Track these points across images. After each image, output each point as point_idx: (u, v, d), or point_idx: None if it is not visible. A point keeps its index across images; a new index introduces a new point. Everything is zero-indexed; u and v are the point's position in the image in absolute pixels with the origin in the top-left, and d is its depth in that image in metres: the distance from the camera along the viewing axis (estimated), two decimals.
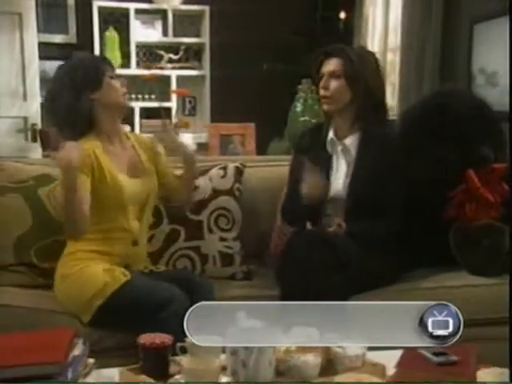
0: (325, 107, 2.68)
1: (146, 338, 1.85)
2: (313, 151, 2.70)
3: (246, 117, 4.66)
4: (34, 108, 5.25)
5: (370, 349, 1.92)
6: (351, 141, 2.67)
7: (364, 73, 2.61)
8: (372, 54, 2.79)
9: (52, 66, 6.00)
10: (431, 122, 2.85)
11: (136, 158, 2.53)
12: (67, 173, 2.20)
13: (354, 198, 2.62)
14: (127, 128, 2.72)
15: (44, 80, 5.67)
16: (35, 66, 5.29)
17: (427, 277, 2.72)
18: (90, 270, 2.33)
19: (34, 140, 5.24)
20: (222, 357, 1.84)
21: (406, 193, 2.63)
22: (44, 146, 4.99)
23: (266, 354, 1.76)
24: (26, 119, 5.28)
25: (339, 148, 2.70)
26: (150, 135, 2.77)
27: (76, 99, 2.36)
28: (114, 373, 1.85)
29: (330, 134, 2.72)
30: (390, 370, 1.85)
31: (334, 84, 2.62)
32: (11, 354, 1.64)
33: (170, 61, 6.08)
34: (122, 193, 2.40)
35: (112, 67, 2.50)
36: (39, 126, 5.23)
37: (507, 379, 1.67)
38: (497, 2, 4.01)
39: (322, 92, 2.65)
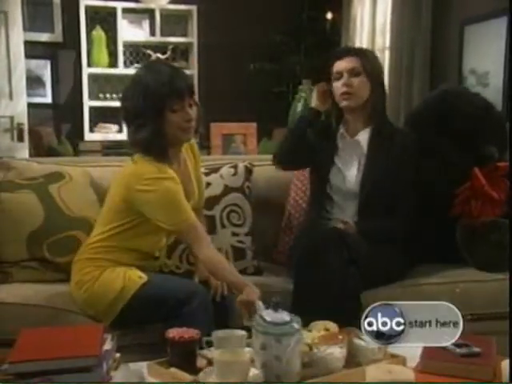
0: (345, 103, 2.71)
1: (174, 333, 1.87)
2: (321, 139, 2.78)
3: (234, 116, 4.68)
4: (20, 107, 5.21)
5: None
6: (363, 137, 2.74)
7: (378, 68, 2.77)
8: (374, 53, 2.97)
9: (38, 64, 6.05)
10: (440, 122, 2.90)
11: (189, 181, 2.46)
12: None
13: (367, 193, 2.68)
14: None
15: (30, 79, 5.66)
16: (21, 65, 5.23)
17: (431, 273, 2.76)
18: (106, 277, 2.30)
19: (21, 139, 5.19)
20: (246, 349, 1.86)
21: (416, 190, 2.70)
22: (34, 146, 4.95)
23: (297, 348, 1.79)
24: (12, 118, 5.22)
25: (350, 143, 2.76)
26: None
27: (144, 119, 2.25)
28: (142, 366, 1.88)
29: (341, 129, 2.78)
30: (412, 362, 1.89)
31: (356, 81, 2.68)
32: (49, 347, 1.65)
33: None
34: None
35: (181, 95, 2.26)
36: (26, 126, 5.19)
37: None
38: (487, 4, 4.09)
39: (343, 89, 2.69)
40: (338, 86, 2.71)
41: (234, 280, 2.24)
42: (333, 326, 2.06)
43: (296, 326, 1.78)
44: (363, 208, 2.68)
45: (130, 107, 2.28)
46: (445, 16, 4.60)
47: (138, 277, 2.28)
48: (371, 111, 2.73)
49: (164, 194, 2.24)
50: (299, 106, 3.53)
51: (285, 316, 1.80)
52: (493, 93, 3.87)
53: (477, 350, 1.86)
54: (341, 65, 2.71)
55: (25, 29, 5.41)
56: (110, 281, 2.28)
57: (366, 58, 2.72)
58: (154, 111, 2.23)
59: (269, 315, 1.80)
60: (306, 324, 1.94)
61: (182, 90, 2.26)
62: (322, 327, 2.06)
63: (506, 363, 1.77)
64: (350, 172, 2.74)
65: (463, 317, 2.05)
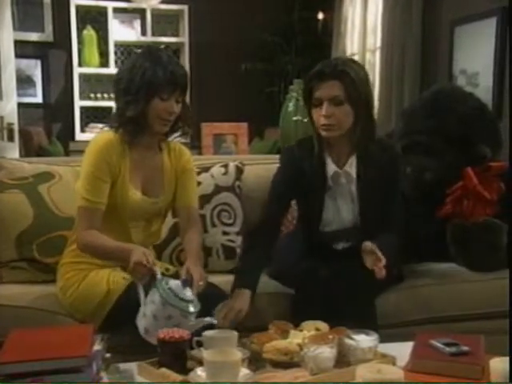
0: (325, 134, 2.42)
1: (164, 333, 1.87)
2: (311, 188, 2.52)
3: (225, 116, 4.68)
4: (10, 107, 5.16)
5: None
6: (351, 166, 2.50)
7: (366, 93, 2.42)
8: (362, 67, 2.55)
9: (28, 64, 6.03)
10: (433, 121, 2.90)
11: (158, 177, 2.42)
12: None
13: (368, 222, 2.51)
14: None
15: (20, 79, 5.64)
16: (11, 65, 5.18)
17: (429, 273, 2.76)
18: (90, 280, 2.29)
19: (11, 139, 5.16)
20: (237, 350, 1.87)
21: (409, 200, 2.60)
22: (25, 146, 4.93)
23: (196, 325, 2.02)
24: (2, 118, 5.18)
25: (343, 180, 2.52)
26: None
27: (134, 99, 2.27)
28: (132, 367, 1.87)
29: (332, 166, 2.50)
30: (402, 361, 1.90)
31: (337, 111, 2.36)
32: (38, 348, 1.65)
33: None
34: (127, 206, 2.33)
35: (175, 85, 2.28)
36: (16, 126, 5.16)
37: None
38: (478, 5, 4.11)
39: (323, 120, 2.38)
40: (317, 115, 2.41)
41: (121, 256, 2.20)
42: (323, 326, 2.07)
43: (197, 305, 2.02)
44: (366, 234, 2.43)
45: (124, 87, 2.30)
46: (435, 16, 4.62)
47: (122, 278, 2.26)
48: (356, 139, 2.45)
49: (89, 156, 2.30)
50: (290, 106, 3.52)
51: (190, 295, 2.03)
52: (482, 93, 3.87)
53: (465, 348, 1.87)
54: (321, 91, 2.37)
55: (15, 28, 5.35)
56: (94, 284, 2.27)
57: (351, 81, 2.35)
58: (145, 94, 2.26)
59: (178, 289, 2.02)
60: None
61: (177, 81, 2.29)
62: (313, 327, 2.07)
63: (494, 361, 1.77)
64: (344, 209, 2.54)
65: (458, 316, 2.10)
